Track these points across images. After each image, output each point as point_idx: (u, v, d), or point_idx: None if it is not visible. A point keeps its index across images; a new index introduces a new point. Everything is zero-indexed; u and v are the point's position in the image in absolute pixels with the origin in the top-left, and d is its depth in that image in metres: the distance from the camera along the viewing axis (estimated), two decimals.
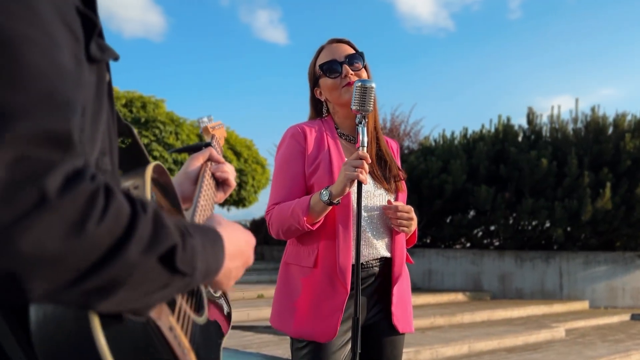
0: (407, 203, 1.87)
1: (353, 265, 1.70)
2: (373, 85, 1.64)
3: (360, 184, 1.62)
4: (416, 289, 8.85)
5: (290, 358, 1.81)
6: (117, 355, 0.56)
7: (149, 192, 0.76)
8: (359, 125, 1.65)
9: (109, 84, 0.70)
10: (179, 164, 10.77)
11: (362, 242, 1.70)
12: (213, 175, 1.15)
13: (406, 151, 10.42)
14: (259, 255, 12.62)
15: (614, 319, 7.51)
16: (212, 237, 0.68)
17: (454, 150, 9.30)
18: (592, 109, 8.94)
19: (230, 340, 4.89)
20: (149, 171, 0.79)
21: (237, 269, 0.79)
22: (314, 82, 1.89)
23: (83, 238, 0.49)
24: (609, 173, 8.24)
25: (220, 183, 1.17)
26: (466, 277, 9.13)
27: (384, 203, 1.81)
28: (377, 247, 1.79)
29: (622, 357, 5.25)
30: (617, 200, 8.07)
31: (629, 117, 8.80)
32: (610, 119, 8.81)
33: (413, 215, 1.79)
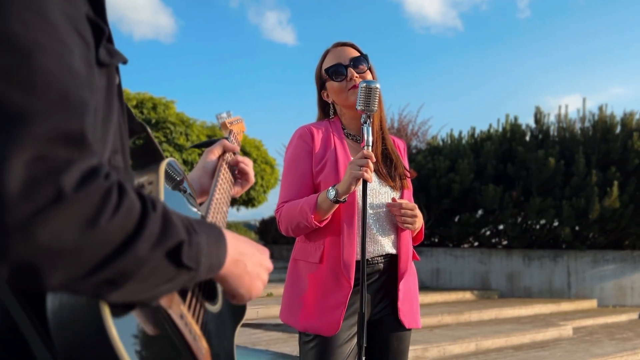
0: (415, 202, 1.91)
1: (357, 261, 1.75)
2: (377, 85, 1.68)
3: (365, 182, 1.67)
4: (424, 287, 8.87)
5: (299, 355, 1.85)
6: (129, 343, 0.60)
7: (162, 187, 0.81)
8: (364, 125, 1.70)
9: (119, 86, 0.74)
10: (188, 164, 10.86)
11: (367, 239, 1.74)
12: (231, 169, 1.15)
13: (414, 151, 10.44)
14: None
15: (622, 318, 7.49)
16: (215, 235, 0.71)
17: (462, 149, 9.29)
18: (600, 108, 8.90)
19: (240, 337, 4.95)
20: (163, 167, 0.84)
21: (251, 272, 0.79)
22: (321, 85, 1.95)
23: (97, 232, 0.52)
24: (616, 172, 8.20)
25: (239, 177, 1.17)
26: (474, 275, 9.14)
27: (390, 200, 1.85)
28: (383, 244, 1.83)
29: (629, 355, 5.24)
30: (625, 198, 8.03)
31: (637, 116, 8.74)
32: (618, 118, 8.78)
33: (417, 212, 1.82)
